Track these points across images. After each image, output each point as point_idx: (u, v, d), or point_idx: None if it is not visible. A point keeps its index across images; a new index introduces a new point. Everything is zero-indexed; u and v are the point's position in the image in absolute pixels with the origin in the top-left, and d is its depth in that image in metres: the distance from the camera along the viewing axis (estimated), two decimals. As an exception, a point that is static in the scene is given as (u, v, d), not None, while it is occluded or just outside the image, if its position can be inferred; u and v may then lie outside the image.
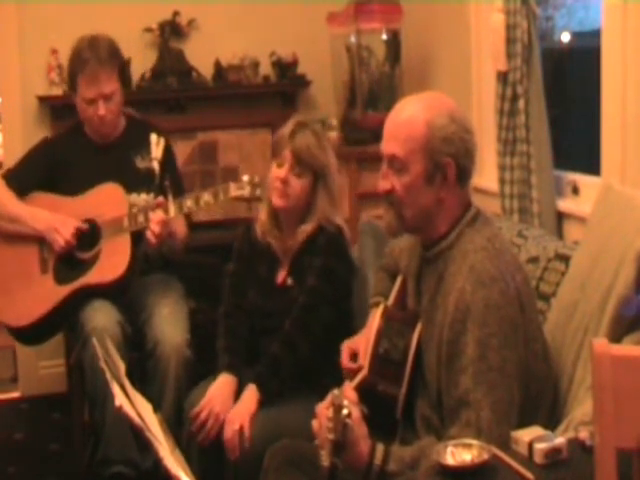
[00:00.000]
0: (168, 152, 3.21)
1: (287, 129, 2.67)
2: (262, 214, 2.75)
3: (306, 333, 2.61)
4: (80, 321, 2.99)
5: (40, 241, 3.15)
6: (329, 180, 2.68)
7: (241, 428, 2.47)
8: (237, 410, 2.52)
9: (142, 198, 3.13)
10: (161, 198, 3.01)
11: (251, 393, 2.55)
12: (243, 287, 2.81)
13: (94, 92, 3.09)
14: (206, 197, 2.97)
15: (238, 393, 2.60)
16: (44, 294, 3.11)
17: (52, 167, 3.21)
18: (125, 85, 3.30)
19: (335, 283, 2.65)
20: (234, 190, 2.90)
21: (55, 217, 3.11)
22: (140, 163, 3.19)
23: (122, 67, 3.24)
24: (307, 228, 2.67)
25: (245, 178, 2.89)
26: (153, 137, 3.11)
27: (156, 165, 3.09)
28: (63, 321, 3.16)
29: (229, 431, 2.48)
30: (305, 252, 2.69)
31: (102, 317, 2.97)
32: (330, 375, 2.42)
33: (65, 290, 3.09)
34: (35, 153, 3.30)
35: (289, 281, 2.72)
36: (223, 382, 2.62)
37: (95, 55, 3.08)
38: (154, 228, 2.94)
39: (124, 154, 3.21)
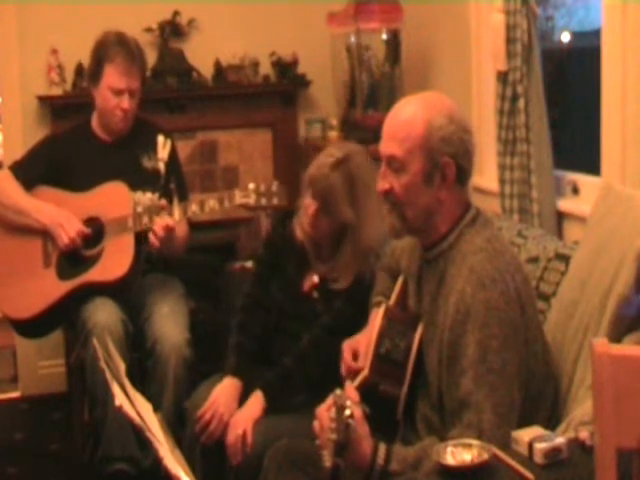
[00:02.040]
0: (174, 154, 3.24)
1: (324, 169, 2.52)
2: (305, 222, 2.64)
3: (323, 355, 2.58)
4: (82, 318, 2.99)
5: (44, 235, 3.15)
6: (356, 235, 2.57)
7: (244, 433, 2.46)
8: (241, 415, 2.51)
9: (147, 197, 3.13)
10: (164, 201, 3.02)
11: (256, 399, 2.54)
12: (268, 278, 2.77)
13: (124, 84, 3.12)
14: (211, 203, 2.98)
15: (244, 393, 2.59)
16: (46, 288, 3.12)
17: (58, 163, 3.21)
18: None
19: (360, 307, 2.59)
20: (239, 198, 2.92)
21: (61, 213, 3.11)
22: (147, 163, 3.21)
23: (145, 70, 3.28)
24: (341, 286, 2.61)
25: (251, 186, 2.89)
26: (160, 138, 3.14)
27: (162, 166, 3.11)
28: (63, 316, 3.16)
29: (232, 436, 2.47)
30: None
31: (104, 314, 2.97)
32: (334, 382, 2.41)
33: (67, 286, 3.09)
34: (42, 148, 3.31)
35: (315, 293, 2.69)
36: (228, 384, 2.61)
37: (127, 49, 3.13)
38: (158, 231, 2.95)
39: (131, 153, 3.22)
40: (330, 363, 2.53)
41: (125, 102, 3.13)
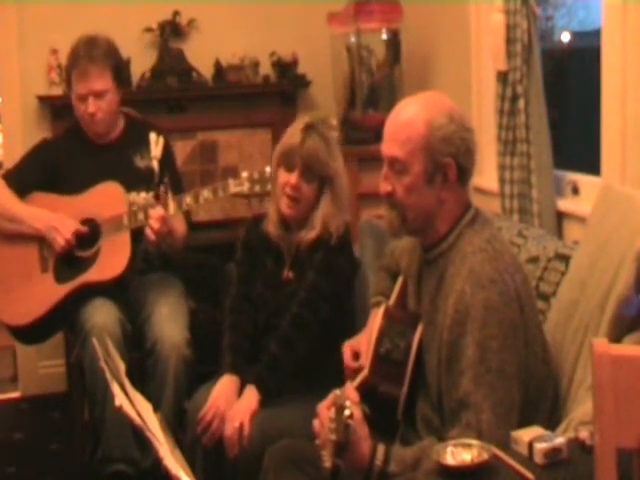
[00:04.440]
0: (167, 151, 3.22)
1: (296, 136, 2.62)
2: (272, 215, 2.72)
3: (304, 331, 2.61)
4: (80, 319, 2.99)
5: (40, 240, 3.15)
6: (336, 186, 2.66)
7: (241, 426, 2.47)
8: (237, 408, 2.52)
9: (142, 197, 3.13)
10: (162, 189, 3.00)
11: (251, 393, 2.55)
12: (250, 277, 2.79)
13: (84, 88, 3.11)
14: (205, 194, 2.97)
15: (241, 392, 2.60)
16: (44, 293, 3.12)
17: (51, 167, 3.21)
18: (123, 86, 3.28)
19: (335, 279, 2.65)
20: (233, 187, 2.91)
21: (54, 216, 3.11)
22: (140, 162, 3.20)
23: (118, 67, 3.22)
24: (311, 235, 2.65)
25: (244, 174, 2.89)
26: (152, 136, 3.12)
27: (155, 164, 3.10)
28: (63, 320, 3.16)
29: (229, 428, 2.48)
30: (307, 248, 2.68)
31: (102, 315, 2.97)
32: (329, 374, 2.42)
33: (65, 289, 3.09)
34: (34, 153, 3.30)
35: (290, 275, 2.72)
36: (226, 382, 2.62)
37: (88, 52, 3.11)
38: (153, 224, 2.95)
39: (123, 153, 3.21)
40: (313, 337, 2.59)
41: (90, 106, 3.12)
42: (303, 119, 2.70)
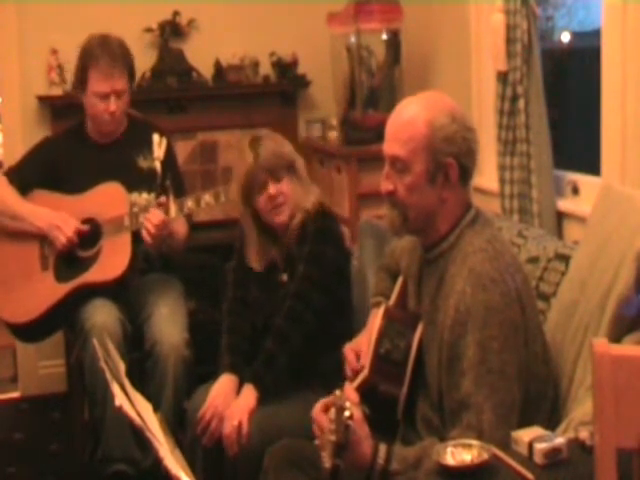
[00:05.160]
0: (170, 152, 3.22)
1: (249, 156, 2.67)
2: (253, 254, 2.75)
3: (297, 323, 2.61)
4: (80, 319, 2.99)
5: (41, 238, 3.15)
6: (297, 168, 2.72)
7: (240, 424, 2.47)
8: (235, 406, 2.53)
9: (143, 197, 3.13)
10: (163, 198, 3.00)
11: (248, 391, 2.56)
12: (245, 282, 2.81)
13: (108, 87, 3.11)
14: (207, 198, 2.98)
15: (240, 391, 2.60)
16: (44, 291, 3.12)
17: (53, 166, 3.21)
18: (132, 86, 3.29)
19: (324, 267, 2.66)
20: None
21: (56, 215, 3.11)
22: (142, 163, 3.20)
23: (131, 67, 3.24)
24: (295, 223, 2.68)
25: None
26: (155, 137, 3.12)
27: (158, 165, 3.09)
28: (62, 319, 3.16)
29: (228, 427, 2.49)
30: (296, 245, 2.70)
31: (102, 314, 2.97)
32: (328, 372, 2.42)
33: (65, 288, 3.09)
34: (37, 152, 3.30)
35: (284, 277, 2.73)
36: (225, 381, 2.63)
37: (108, 52, 3.11)
38: (150, 228, 2.94)
39: (126, 153, 3.21)
40: (308, 328, 2.60)
41: (112, 105, 3.12)
42: (243, 141, 2.77)
